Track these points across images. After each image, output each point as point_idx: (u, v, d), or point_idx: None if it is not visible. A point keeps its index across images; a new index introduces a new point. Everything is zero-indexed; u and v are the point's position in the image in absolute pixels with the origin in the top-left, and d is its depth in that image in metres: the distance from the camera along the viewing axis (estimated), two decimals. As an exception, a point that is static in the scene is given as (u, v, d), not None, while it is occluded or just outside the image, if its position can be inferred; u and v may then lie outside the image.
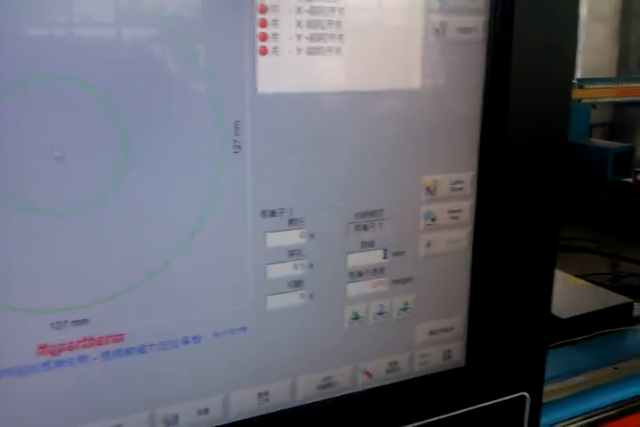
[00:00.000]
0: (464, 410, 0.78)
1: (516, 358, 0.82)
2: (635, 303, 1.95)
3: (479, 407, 0.79)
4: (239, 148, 0.63)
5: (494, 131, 0.75)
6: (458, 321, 0.79)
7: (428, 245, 0.75)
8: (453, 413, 0.77)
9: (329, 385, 0.71)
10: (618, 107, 9.68)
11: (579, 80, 7.47)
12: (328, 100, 0.66)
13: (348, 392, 0.73)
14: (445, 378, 0.78)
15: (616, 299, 1.72)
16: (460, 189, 0.76)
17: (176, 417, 0.64)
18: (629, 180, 6.93)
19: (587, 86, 7.00)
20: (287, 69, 0.64)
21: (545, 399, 1.40)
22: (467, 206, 0.77)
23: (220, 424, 0.66)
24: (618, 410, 1.41)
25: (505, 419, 0.81)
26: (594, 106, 7.54)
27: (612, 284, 4.72)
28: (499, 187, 0.77)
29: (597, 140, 7.65)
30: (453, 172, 0.75)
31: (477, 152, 0.76)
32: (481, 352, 0.79)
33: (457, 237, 0.77)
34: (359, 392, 0.73)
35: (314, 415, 0.70)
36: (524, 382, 0.82)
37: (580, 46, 11.06)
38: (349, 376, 0.73)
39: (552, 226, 0.82)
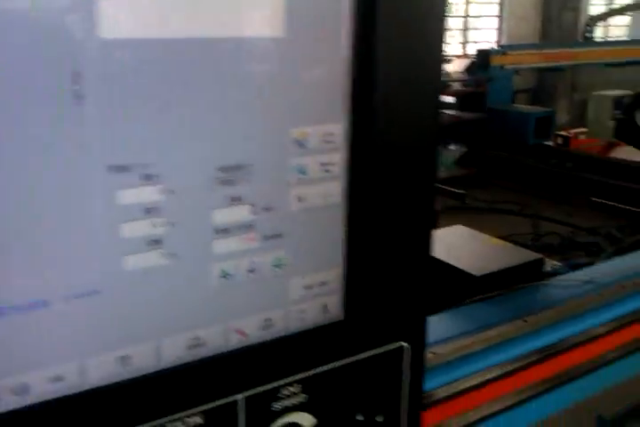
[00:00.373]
0: (344, 362, 0.77)
1: (394, 309, 0.81)
2: (547, 259, 2.03)
3: (359, 359, 0.78)
4: (80, 98, 0.59)
5: (364, 81, 0.72)
6: (334, 275, 0.77)
7: (300, 199, 0.72)
8: (333, 365, 0.76)
9: (199, 345, 0.69)
10: (541, 73, 9.93)
11: (501, 47, 7.61)
12: (180, 47, 0.62)
13: (222, 352, 0.70)
14: (324, 332, 0.76)
15: (528, 256, 1.77)
16: (332, 141, 0.73)
17: (26, 386, 0.61)
18: (550, 143, 7.16)
19: (509, 53, 7.13)
20: (134, 13, 0.59)
21: (458, 353, 1.44)
22: (339, 159, 0.74)
23: (78, 391, 0.63)
24: (528, 360, 1.46)
25: (386, 369, 0.81)
26: (516, 72, 7.71)
27: (534, 243, 4.91)
28: (371, 139, 0.74)
29: (519, 106, 7.85)
30: (323, 124, 0.72)
31: (348, 104, 0.73)
32: (359, 305, 0.78)
33: (330, 191, 0.74)
34: (234, 351, 0.71)
35: (185, 377, 0.68)
36: (403, 332, 0.82)
37: (506, 14, 11.17)
38: (221, 335, 0.70)
39: (428, 178, 0.81)
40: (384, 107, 0.74)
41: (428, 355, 1.30)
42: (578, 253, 4.20)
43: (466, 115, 7.15)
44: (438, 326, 1.45)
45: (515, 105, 7.46)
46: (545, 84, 10.21)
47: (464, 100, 7.37)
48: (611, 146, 6.47)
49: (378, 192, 0.76)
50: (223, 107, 0.66)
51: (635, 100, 1.93)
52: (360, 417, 0.79)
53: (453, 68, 7.61)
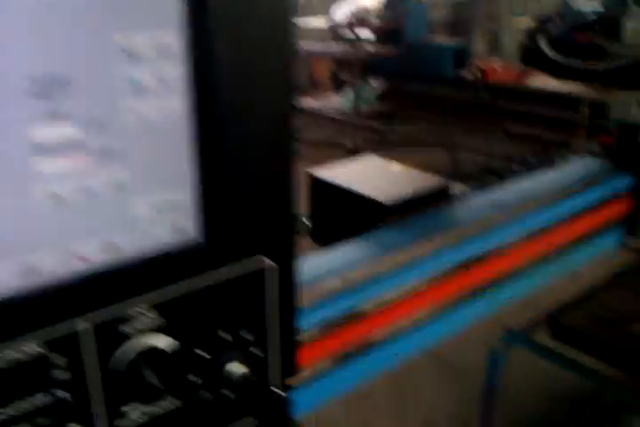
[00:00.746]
0: (202, 285, 0.73)
1: (254, 228, 0.77)
2: (458, 185, 2.08)
3: (218, 281, 0.74)
4: None
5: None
6: (183, 194, 0.71)
7: (136, 115, 0.65)
8: (190, 288, 0.73)
9: (31, 273, 0.63)
10: (458, 5, 9.91)
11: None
12: None
13: (61, 278, 0.64)
14: (178, 254, 0.71)
15: (436, 182, 1.81)
16: (168, 51, 0.65)
17: None
18: (468, 74, 7.23)
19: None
20: None
21: (367, 278, 1.48)
22: (177, 70, 0.66)
23: None
24: (436, 278, 1.51)
25: (249, 290, 0.78)
26: (433, 5, 7.66)
27: (452, 172, 5.03)
28: (213, 51, 0.66)
29: (436, 38, 7.85)
30: (156, 30, 0.63)
31: (183, 5, 0.64)
32: (215, 225, 0.73)
33: (169, 105, 0.67)
34: (75, 277, 0.65)
35: (20, 307, 0.62)
36: (266, 251, 0.78)
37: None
38: (59, 261, 0.64)
39: (284, 92, 0.75)
40: (221, 14, 0.65)
41: (335, 281, 1.33)
42: (494, 179, 4.37)
43: (385, 50, 7.11)
44: (347, 254, 1.47)
45: (431, 37, 7.46)
46: (462, 15, 10.21)
47: (383, 35, 7.30)
48: (525, 74, 6.61)
49: (227, 106, 0.70)
50: (31, 9, 0.57)
51: (538, 24, 1.97)
52: (226, 335, 0.78)
53: (371, 2, 7.48)
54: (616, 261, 2.24)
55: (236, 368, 0.76)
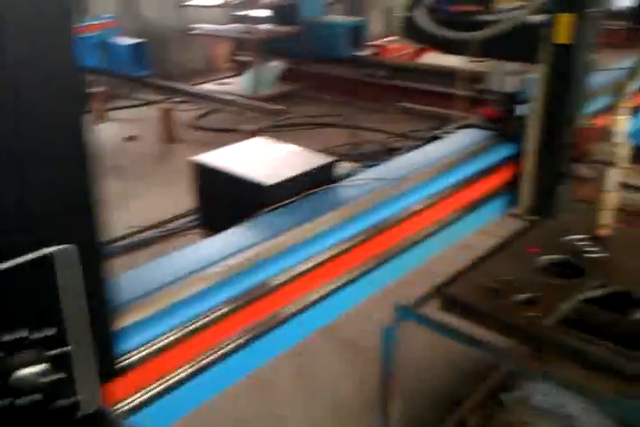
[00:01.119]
0: None
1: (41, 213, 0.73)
2: (349, 163, 2.06)
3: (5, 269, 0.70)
4: None
5: None
6: None
7: None
8: None
9: None
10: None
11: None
12: None
13: None
14: None
15: (321, 160, 1.77)
16: None
17: None
18: (364, 53, 7.24)
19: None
20: None
21: (251, 263, 1.43)
22: None
23: None
24: (321, 259, 1.48)
25: (43, 275, 0.73)
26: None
27: (352, 152, 5.02)
28: None
29: (331, 17, 7.81)
30: None
31: None
32: None
33: None
34: None
35: None
36: (61, 236, 0.74)
37: None
38: None
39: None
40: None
41: (218, 269, 1.28)
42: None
43: (281, 28, 7.01)
44: (229, 241, 1.42)
45: (325, 17, 7.42)
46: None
47: (278, 13, 7.18)
48: (420, 52, 6.72)
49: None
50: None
51: (415, -2, 1.96)
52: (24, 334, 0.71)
53: (264, -21, 7.33)
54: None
55: (30, 374, 0.68)
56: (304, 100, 7.12)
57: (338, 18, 7.72)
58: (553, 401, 2.64)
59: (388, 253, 1.66)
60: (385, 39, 7.24)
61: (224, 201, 1.71)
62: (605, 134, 1.90)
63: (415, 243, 1.75)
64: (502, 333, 1.81)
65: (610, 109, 1.87)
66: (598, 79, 2.31)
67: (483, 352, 1.86)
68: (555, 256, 2.10)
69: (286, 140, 1.96)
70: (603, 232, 2.06)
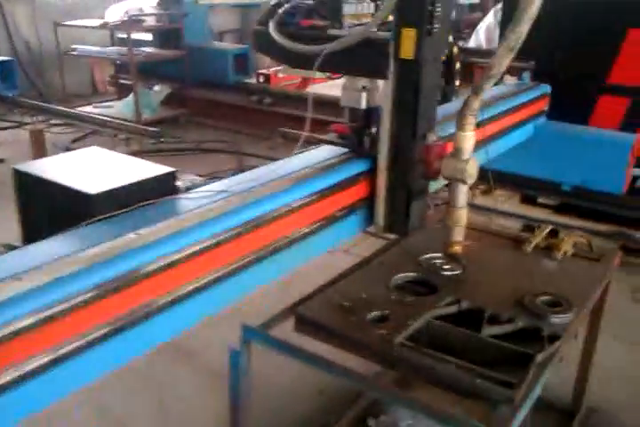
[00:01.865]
0: None
1: None
2: (189, 175, 1.95)
3: None
4: None
5: None
6: None
7: None
8: None
9: None
10: (245, 12, 9.97)
11: (195, -16, 7.31)
12: None
13: None
14: None
15: (158, 170, 1.66)
16: None
17: None
18: (252, 80, 7.23)
19: (199, -11, 6.96)
20: None
21: (55, 277, 1.28)
22: None
23: None
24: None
25: None
26: (211, 7, 7.60)
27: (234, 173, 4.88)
28: None
29: (217, 43, 7.78)
30: None
31: None
32: None
33: None
34: None
35: None
36: None
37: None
38: None
39: None
40: None
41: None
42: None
43: (165, 52, 6.87)
44: (42, 251, 1.27)
45: (212, 42, 7.37)
46: (250, 22, 10.31)
47: (162, 37, 7.05)
48: (307, 81, 6.79)
49: None
50: None
51: (269, 10, 1.93)
52: None
53: (147, 2, 7.19)
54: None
55: None
56: (190, 126, 6.97)
57: (224, 44, 7.68)
58: (420, 425, 2.60)
59: (228, 270, 1.56)
60: (275, 68, 7.26)
61: (48, 210, 1.56)
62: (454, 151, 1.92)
63: (260, 258, 1.66)
64: (354, 351, 1.75)
65: (458, 126, 1.90)
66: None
67: (341, 377, 1.78)
68: (410, 274, 2.08)
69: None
70: (455, 249, 2.07)
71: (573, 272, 2.13)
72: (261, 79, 6.94)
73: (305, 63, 1.83)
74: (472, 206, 4.31)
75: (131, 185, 1.54)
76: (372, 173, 2.01)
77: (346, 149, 2.06)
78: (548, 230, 2.34)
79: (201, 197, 1.60)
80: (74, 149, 6.26)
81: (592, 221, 4.22)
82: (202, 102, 6.96)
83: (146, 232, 1.36)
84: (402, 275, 2.06)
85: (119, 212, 1.47)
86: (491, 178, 2.18)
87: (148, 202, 1.53)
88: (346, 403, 2.62)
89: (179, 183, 1.68)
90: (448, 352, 1.85)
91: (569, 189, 3.51)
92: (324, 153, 2.06)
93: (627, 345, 3.17)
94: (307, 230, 1.82)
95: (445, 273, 2.10)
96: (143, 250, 1.34)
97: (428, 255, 2.18)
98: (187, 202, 1.58)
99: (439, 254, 2.15)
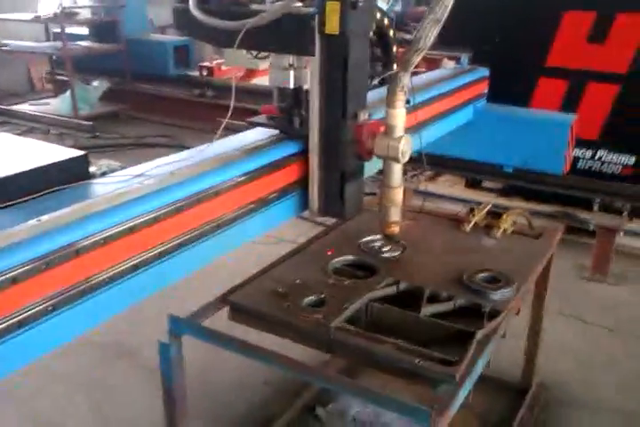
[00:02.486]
0: None
1: None
2: (105, 160, 1.85)
3: None
4: None
5: None
6: None
7: None
8: None
9: None
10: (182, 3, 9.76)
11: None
12: None
13: None
14: None
15: (68, 154, 1.55)
16: None
17: None
18: (195, 73, 7.06)
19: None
20: None
21: None
22: None
23: None
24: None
25: None
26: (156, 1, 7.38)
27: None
28: None
29: (156, 35, 7.57)
30: None
31: None
32: None
33: None
34: None
35: None
36: None
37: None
38: None
39: None
40: None
41: None
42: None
43: (102, 46, 6.65)
44: None
45: (151, 34, 7.17)
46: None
47: (99, 30, 6.82)
48: (251, 74, 6.67)
49: None
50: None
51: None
52: None
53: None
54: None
55: None
56: (131, 121, 6.77)
57: (161, 36, 7.48)
58: (369, 412, 2.56)
59: (146, 258, 1.46)
60: (218, 60, 7.11)
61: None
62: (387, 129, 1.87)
63: (184, 244, 1.57)
64: (290, 337, 1.68)
65: (388, 103, 1.85)
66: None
67: (280, 367, 1.71)
68: (348, 257, 2.03)
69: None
70: (392, 230, 2.02)
71: (513, 249, 2.11)
72: (204, 72, 6.79)
73: (228, 42, 1.74)
74: (418, 193, 4.32)
75: (36, 169, 1.43)
76: (304, 155, 1.94)
77: (277, 131, 1.99)
78: (486, 209, 2.32)
79: (116, 182, 1.50)
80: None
81: (537, 202, 4.27)
82: (143, 97, 6.78)
83: (50, 218, 1.26)
84: (340, 259, 2.01)
85: (23, 199, 1.36)
86: (424, 160, 2.13)
87: (56, 188, 1.43)
88: (293, 392, 2.56)
89: (93, 168, 1.58)
90: (388, 334, 1.81)
91: (511, 171, 3.52)
92: (253, 135, 1.98)
93: (572, 320, 3.21)
94: (235, 215, 1.74)
95: (385, 255, 2.05)
96: (46, 237, 1.24)
97: (367, 238, 2.14)
98: (99, 187, 1.48)
99: (379, 237, 2.10)
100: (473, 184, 4.35)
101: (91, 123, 4.14)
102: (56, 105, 6.74)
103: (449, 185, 4.47)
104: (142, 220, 1.42)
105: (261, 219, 1.85)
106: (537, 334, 2.52)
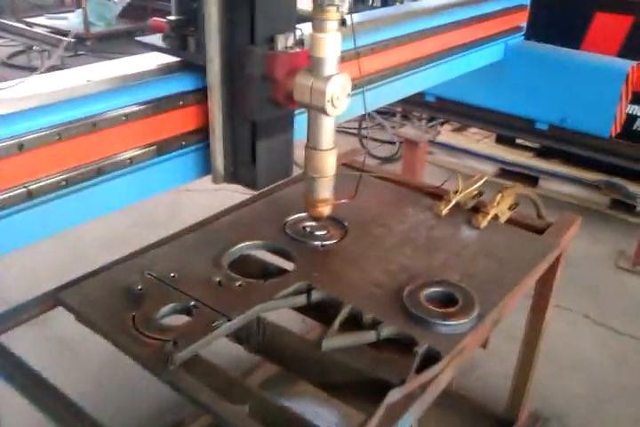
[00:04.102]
0: None
1: None
2: None
3: None
4: None
5: None
6: None
7: None
8: None
9: None
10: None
11: None
12: None
13: None
14: None
15: None
16: None
17: None
18: None
19: None
20: None
21: None
22: None
23: None
24: None
25: None
26: None
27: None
28: None
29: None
30: None
31: None
32: None
33: None
34: None
35: None
36: None
37: None
38: None
39: None
40: None
41: None
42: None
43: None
44: None
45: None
46: None
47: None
48: None
49: None
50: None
51: None
52: None
53: None
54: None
55: None
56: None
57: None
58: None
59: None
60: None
61: None
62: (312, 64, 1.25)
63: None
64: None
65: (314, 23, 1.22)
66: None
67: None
68: (257, 242, 1.45)
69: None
70: (319, 211, 1.43)
71: (498, 249, 1.48)
72: None
73: None
74: (437, 145, 3.60)
75: None
76: (205, 95, 1.35)
77: (177, 58, 1.40)
78: (477, 185, 1.69)
79: None
80: (10, 64, 5.63)
81: (580, 168, 3.54)
82: (164, 15, 6.14)
83: None
84: (245, 244, 1.44)
85: None
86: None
87: None
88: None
89: None
90: (287, 366, 1.27)
91: (545, 129, 2.80)
92: (142, 61, 1.40)
93: (598, 327, 2.56)
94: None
95: (313, 242, 1.48)
96: None
97: (297, 215, 1.56)
98: None
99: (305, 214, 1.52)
100: (505, 140, 3.64)
101: (70, 39, 3.61)
102: (72, 20, 6.22)
103: (476, 140, 3.77)
104: None
105: (142, 180, 1.30)
106: (529, 362, 1.87)
